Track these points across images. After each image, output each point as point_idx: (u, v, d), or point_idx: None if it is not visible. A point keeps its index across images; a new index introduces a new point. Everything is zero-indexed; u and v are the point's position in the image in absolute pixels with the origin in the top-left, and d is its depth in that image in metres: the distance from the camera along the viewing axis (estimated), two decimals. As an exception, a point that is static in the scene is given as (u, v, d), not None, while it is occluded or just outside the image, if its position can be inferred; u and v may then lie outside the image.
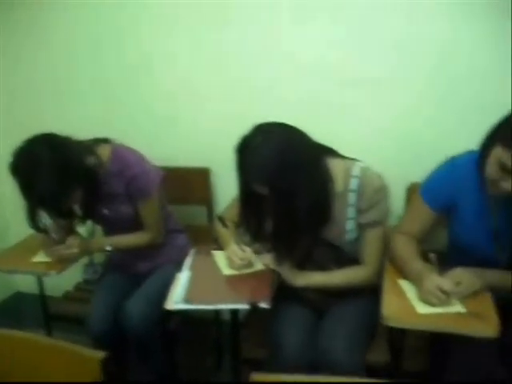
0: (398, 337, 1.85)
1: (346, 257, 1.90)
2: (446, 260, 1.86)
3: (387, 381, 1.32)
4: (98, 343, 2.04)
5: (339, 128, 2.22)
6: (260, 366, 1.88)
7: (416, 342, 1.93)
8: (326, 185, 1.79)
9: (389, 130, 2.20)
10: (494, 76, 2.08)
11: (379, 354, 1.89)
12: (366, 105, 2.20)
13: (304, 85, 2.26)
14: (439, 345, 1.83)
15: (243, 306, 1.70)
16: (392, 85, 2.17)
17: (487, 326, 1.54)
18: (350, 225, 1.85)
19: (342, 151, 1.93)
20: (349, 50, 2.19)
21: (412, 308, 1.62)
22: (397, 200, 2.09)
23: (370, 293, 1.93)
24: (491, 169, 1.58)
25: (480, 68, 2.10)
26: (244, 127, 1.71)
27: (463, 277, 1.67)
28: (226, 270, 1.90)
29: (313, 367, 1.76)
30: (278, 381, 1.27)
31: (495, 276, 1.72)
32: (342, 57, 2.20)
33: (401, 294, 1.69)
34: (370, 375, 1.75)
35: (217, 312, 2.02)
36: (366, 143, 2.21)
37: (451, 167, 1.79)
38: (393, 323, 1.60)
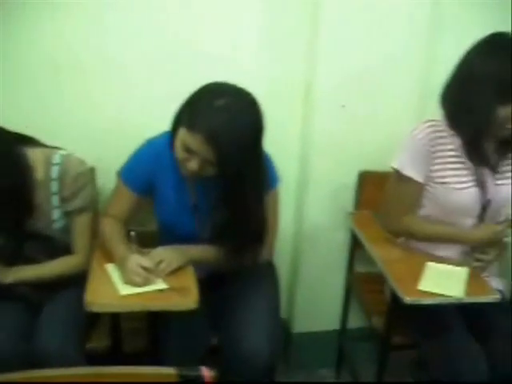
0: (114, 321, 1.86)
1: (58, 247, 1.86)
2: (157, 239, 1.93)
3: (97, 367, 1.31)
4: None
5: (55, 116, 2.11)
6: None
7: (135, 324, 1.96)
8: (22, 175, 1.72)
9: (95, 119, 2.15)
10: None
11: (100, 340, 1.90)
12: (83, 91, 2.11)
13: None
14: (157, 323, 1.89)
15: None
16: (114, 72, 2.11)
17: (186, 299, 1.61)
18: (56, 214, 1.82)
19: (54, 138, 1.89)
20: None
21: (115, 291, 1.63)
22: (111, 184, 2.08)
23: (84, 281, 1.92)
24: (178, 150, 1.64)
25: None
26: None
27: (164, 254, 1.72)
28: None
29: (30, 365, 1.70)
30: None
31: (197, 251, 1.82)
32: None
33: (106, 278, 1.70)
34: (91, 362, 1.74)
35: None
36: (84, 129, 2.14)
37: (148, 148, 1.83)
38: (95, 308, 1.61)
